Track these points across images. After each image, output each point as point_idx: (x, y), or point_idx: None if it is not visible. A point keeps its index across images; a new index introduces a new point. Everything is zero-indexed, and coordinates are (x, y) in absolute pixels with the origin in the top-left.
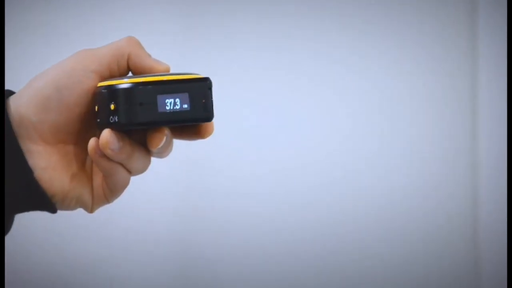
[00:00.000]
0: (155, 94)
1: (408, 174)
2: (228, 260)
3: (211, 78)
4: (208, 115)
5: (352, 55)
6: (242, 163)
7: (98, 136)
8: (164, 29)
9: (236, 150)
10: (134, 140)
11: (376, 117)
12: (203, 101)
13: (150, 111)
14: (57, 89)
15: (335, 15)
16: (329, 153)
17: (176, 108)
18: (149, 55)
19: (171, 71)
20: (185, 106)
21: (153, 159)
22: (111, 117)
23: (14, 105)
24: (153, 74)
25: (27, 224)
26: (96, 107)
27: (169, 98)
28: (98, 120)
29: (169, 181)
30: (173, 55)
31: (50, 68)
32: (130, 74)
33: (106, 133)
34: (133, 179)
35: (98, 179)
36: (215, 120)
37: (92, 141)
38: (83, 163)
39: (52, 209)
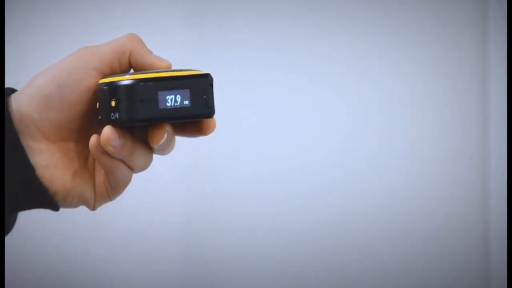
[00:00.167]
0: (155, 90)
1: (408, 174)
2: (228, 260)
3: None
4: (209, 112)
5: (352, 55)
6: (242, 163)
7: (99, 133)
8: (165, 29)
9: (236, 150)
10: (135, 137)
11: (376, 117)
12: (204, 97)
13: (151, 108)
14: (58, 87)
15: (335, 15)
16: (329, 153)
17: (177, 105)
18: (151, 52)
19: (172, 68)
20: (186, 102)
21: (155, 156)
22: (112, 114)
23: (15, 103)
24: (154, 70)
25: (27, 224)
26: (97, 104)
27: (170, 95)
28: (99, 117)
29: (169, 181)
30: (173, 55)
31: (51, 66)
32: (131, 71)
33: (107, 130)
34: (134, 179)
35: (100, 176)
36: (216, 119)
37: (93, 138)
38: (85, 160)
39: (55, 207)
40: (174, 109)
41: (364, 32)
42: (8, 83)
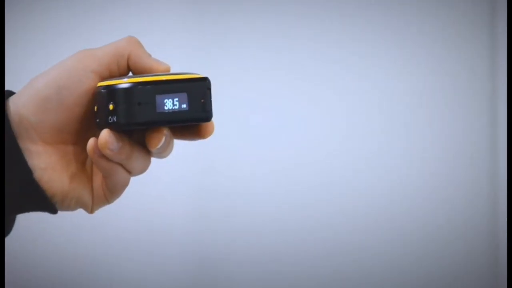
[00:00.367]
0: (153, 94)
1: (408, 174)
2: (229, 260)
3: (212, 78)
4: (206, 115)
5: (352, 55)
6: (242, 163)
7: (97, 136)
8: (165, 30)
9: (236, 150)
10: (133, 140)
11: (376, 117)
12: (202, 101)
13: (148, 111)
14: (56, 89)
15: (335, 15)
16: (329, 153)
17: (174, 108)
18: (149, 55)
19: (171, 71)
20: (184, 106)
21: (154, 159)
22: (110, 117)
23: (14, 105)
24: (152, 74)
25: (27, 224)
26: (96, 107)
27: (167, 98)
28: (97, 120)
29: (170, 182)
30: (173, 55)
31: (50, 68)
32: (130, 74)
33: (105, 133)
34: (133, 180)
35: (98, 179)
36: (215, 120)
37: (91, 141)
38: (83, 163)
39: (52, 210)
40: (172, 113)
41: (364, 32)
42: (8, 83)
